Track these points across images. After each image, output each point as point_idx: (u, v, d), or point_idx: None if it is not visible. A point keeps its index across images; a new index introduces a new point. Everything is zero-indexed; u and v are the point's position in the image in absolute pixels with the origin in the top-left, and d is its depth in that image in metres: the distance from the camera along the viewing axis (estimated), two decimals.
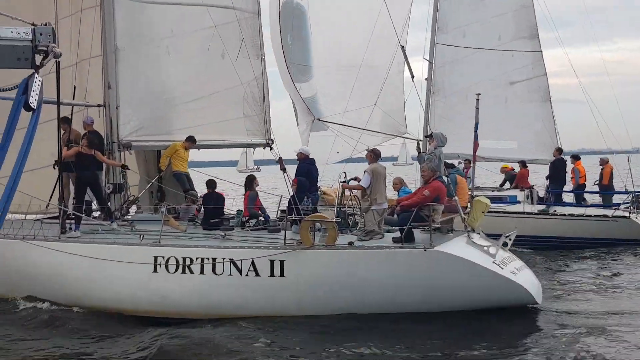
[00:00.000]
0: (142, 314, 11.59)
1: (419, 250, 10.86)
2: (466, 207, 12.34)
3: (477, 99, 13.51)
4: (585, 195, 20.89)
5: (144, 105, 14.49)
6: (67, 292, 12.18)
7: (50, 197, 13.41)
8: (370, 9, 19.15)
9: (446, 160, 14.21)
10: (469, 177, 21.62)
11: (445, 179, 12.86)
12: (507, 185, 21.51)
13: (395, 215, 12.32)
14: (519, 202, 20.00)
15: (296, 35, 19.88)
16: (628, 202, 19.74)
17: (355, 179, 12.91)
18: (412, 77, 13.59)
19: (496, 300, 10.97)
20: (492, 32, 21.58)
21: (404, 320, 10.66)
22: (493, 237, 12.38)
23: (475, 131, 13.27)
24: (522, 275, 11.37)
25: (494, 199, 20.00)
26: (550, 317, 11.08)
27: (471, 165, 21.97)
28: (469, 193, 13.03)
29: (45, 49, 3.74)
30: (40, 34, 3.69)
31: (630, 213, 18.95)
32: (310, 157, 13.97)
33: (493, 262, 11.05)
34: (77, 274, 11.94)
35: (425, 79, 21.57)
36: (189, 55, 14.88)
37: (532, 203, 20.13)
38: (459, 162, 21.91)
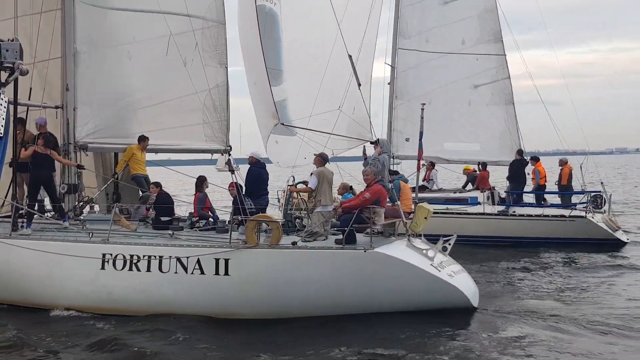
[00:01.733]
0: (89, 310, 11.58)
1: (359, 251, 11.01)
2: (410, 212, 12.42)
3: (422, 109, 13.80)
4: (547, 195, 21.21)
5: (103, 107, 14.50)
6: (13, 288, 12.18)
7: (5, 196, 13.45)
8: (337, 14, 19.59)
9: (390, 168, 14.55)
10: (432, 179, 22.25)
11: (389, 185, 12.92)
12: (470, 186, 21.79)
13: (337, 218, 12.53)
14: (479, 203, 20.20)
15: (268, 39, 20.27)
16: (585, 202, 20.07)
17: (304, 182, 13.10)
18: (359, 85, 13.81)
19: (433, 302, 11.12)
20: (456, 37, 21.93)
21: (344, 321, 10.76)
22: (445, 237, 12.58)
23: (420, 139, 13.59)
24: (458, 278, 11.57)
25: (455, 201, 20.54)
26: (487, 318, 11.16)
27: (433, 167, 22.53)
28: (414, 198, 13.13)
29: (12, 65, 3.41)
30: (7, 50, 3.50)
31: (586, 213, 19.25)
32: (261, 160, 13.96)
33: (431, 264, 11.19)
34: (26, 271, 11.96)
35: (388, 84, 22.01)
36: (150, 61, 14.85)
37: (493, 204, 20.40)
38: (423, 165, 22.34)
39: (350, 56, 13.32)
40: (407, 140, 19.58)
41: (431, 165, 22.20)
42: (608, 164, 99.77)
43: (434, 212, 18.05)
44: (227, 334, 10.46)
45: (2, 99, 3.25)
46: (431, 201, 19.18)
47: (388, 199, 12.35)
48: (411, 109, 20.11)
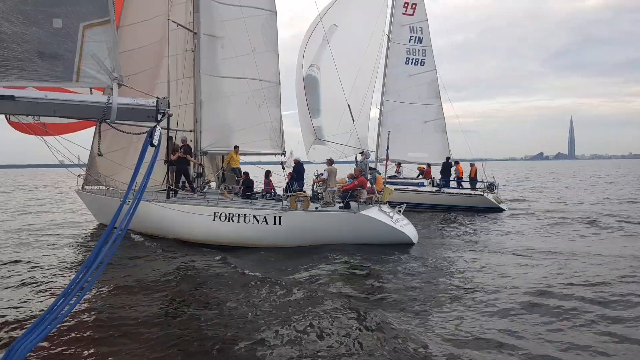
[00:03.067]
0: (205, 242, 11.67)
1: (352, 213, 11.19)
2: (381, 190, 12.42)
3: (388, 137, 13.96)
4: (462, 184, 21.04)
5: (215, 131, 14.45)
6: (167, 229, 12.37)
7: (163, 180, 13.41)
8: (350, 81, 19.83)
9: (370, 165, 14.76)
10: (400, 173, 22.37)
11: (369, 176, 13.07)
12: (420, 177, 21.67)
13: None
14: (425, 185, 20.38)
15: (313, 91, 20.57)
16: (482, 187, 20.20)
17: (322, 174, 12.91)
18: (353, 120, 13.64)
19: (391, 240, 11.23)
20: (415, 94, 21.69)
21: (334, 251, 10.40)
22: (397, 205, 12.58)
23: (387, 150, 13.74)
24: (406, 228, 11.68)
25: (412, 184, 20.65)
26: (423, 249, 11.13)
27: (400, 166, 22.66)
28: (383, 183, 12.90)
29: (163, 111, 3.56)
30: (161, 103, 3.49)
31: (483, 193, 19.46)
32: (301, 161, 14.00)
33: (391, 220, 11.39)
34: (174, 220, 12.10)
35: (378, 119, 21.86)
36: (240, 105, 14.55)
37: (432, 187, 20.43)
38: (395, 163, 22.56)
39: (348, 105, 13.22)
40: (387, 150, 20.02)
41: (399, 165, 22.27)
42: (500, 167, 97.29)
43: (399, 190, 18.62)
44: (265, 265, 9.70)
45: (159, 127, 3.35)
46: (397, 184, 19.51)
47: (368, 184, 12.41)
48: (391, 132, 20.40)
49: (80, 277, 3.48)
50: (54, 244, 12.57)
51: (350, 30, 20.60)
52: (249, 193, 13.09)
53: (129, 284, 8.24)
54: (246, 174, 13.90)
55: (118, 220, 3.73)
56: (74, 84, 3.33)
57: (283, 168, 13.87)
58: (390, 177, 20.96)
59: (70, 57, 3.28)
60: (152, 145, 3.63)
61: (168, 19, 13.29)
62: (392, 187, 13.13)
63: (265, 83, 14.61)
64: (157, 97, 3.58)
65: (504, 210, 19.17)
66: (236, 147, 14.23)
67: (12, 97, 3.01)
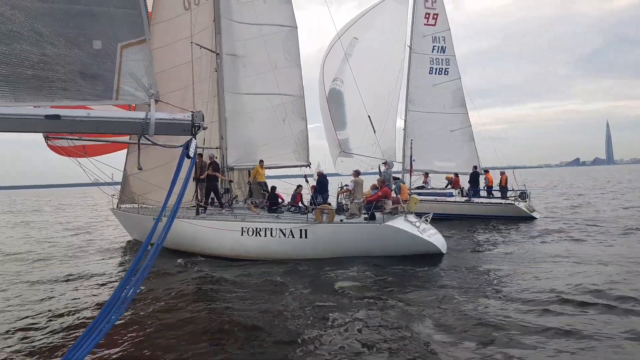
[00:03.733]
0: (234, 257, 11.87)
1: (377, 224, 11.22)
2: (406, 200, 12.44)
3: (411, 147, 14.05)
4: (492, 192, 20.68)
5: (240, 147, 14.67)
6: (197, 245, 12.52)
7: (192, 197, 13.65)
8: (374, 93, 20.08)
9: (394, 175, 14.77)
10: (428, 183, 22.32)
11: (393, 186, 13.05)
12: (449, 187, 21.51)
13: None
14: (454, 195, 20.21)
15: (338, 104, 20.86)
16: (514, 196, 19.86)
17: (346, 185, 13.09)
18: (374, 132, 13.63)
19: (419, 250, 11.18)
20: (440, 103, 21.68)
21: (355, 265, 10.38)
22: (424, 215, 12.47)
23: (410, 160, 13.78)
24: (434, 237, 11.56)
25: (440, 194, 20.60)
26: (452, 259, 11.01)
27: (428, 176, 22.61)
28: (409, 193, 12.95)
29: (198, 125, 3.64)
30: (195, 117, 3.58)
31: (514, 201, 19.11)
32: (324, 173, 14.01)
33: (418, 230, 11.32)
34: (204, 236, 12.30)
35: (403, 129, 21.92)
36: (263, 120, 14.77)
37: (462, 196, 20.23)
38: (422, 174, 22.55)
39: (369, 116, 13.07)
40: (413, 160, 20.04)
41: (426, 175, 22.13)
42: (533, 175, 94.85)
43: (428, 201, 18.59)
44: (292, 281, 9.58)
45: (194, 140, 3.43)
46: (426, 195, 19.44)
47: (392, 194, 12.42)
48: (415, 142, 20.35)
49: (121, 289, 3.67)
50: (92, 259, 13.24)
51: (372, 43, 20.99)
52: (275, 207, 13.27)
53: (165, 295, 8.61)
54: (273, 188, 14.06)
55: (155, 235, 3.88)
56: (113, 101, 3.54)
57: (307, 181, 14.02)
58: (418, 188, 20.96)
59: (110, 77, 3.49)
60: (188, 157, 3.76)
61: (192, 42, 13.77)
62: (418, 197, 13.07)
63: (288, 97, 14.88)
64: (192, 111, 3.72)
65: (537, 218, 18.73)
66: (261, 161, 14.47)
67: (57, 117, 3.25)
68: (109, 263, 12.60)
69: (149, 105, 3.56)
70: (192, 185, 13.71)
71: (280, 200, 13.87)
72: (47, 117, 3.25)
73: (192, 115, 3.64)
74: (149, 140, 3.51)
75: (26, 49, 3.33)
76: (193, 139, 3.77)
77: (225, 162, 14.69)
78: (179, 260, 11.99)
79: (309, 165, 15.29)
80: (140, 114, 3.46)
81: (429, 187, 22.12)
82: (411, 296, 7.99)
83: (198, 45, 13.96)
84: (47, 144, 12.88)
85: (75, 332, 6.63)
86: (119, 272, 11.28)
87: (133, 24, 3.50)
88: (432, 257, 11.10)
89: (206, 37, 14.49)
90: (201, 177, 13.50)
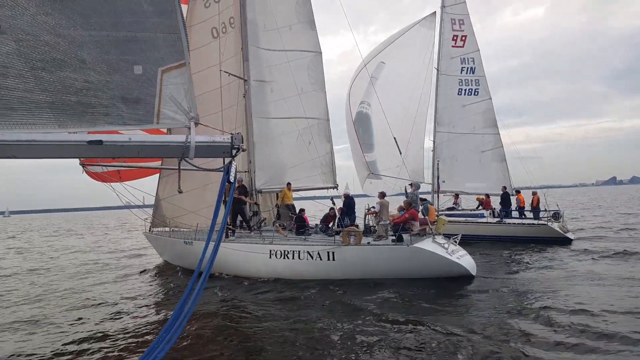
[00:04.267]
0: (263, 278, 11.97)
1: (405, 246, 11.11)
2: (434, 221, 12.32)
3: (438, 167, 13.99)
4: (525, 213, 20.21)
5: (268, 169, 14.92)
6: (226, 267, 12.57)
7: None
8: (402, 111, 20.18)
9: (421, 196, 14.59)
10: (458, 205, 22.08)
11: (420, 207, 12.94)
12: (480, 207, 21.21)
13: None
14: (485, 216, 19.90)
15: (365, 127, 21.07)
16: (546, 217, 19.42)
17: (373, 207, 13.02)
18: (400, 153, 13.65)
19: (448, 273, 11.01)
20: (469, 124, 21.55)
21: (385, 288, 10.30)
22: (454, 236, 12.24)
23: (437, 181, 13.67)
24: (463, 259, 11.34)
25: (471, 215, 20.30)
26: (482, 282, 10.83)
27: (458, 197, 22.39)
28: (437, 214, 12.81)
29: (238, 146, 3.61)
30: (235, 139, 3.56)
31: (547, 222, 18.65)
32: (351, 195, 13.79)
33: (446, 251, 11.13)
34: (233, 258, 12.34)
35: (432, 150, 21.82)
36: (290, 143, 15.14)
37: (493, 217, 19.88)
38: (453, 195, 22.31)
39: (395, 138, 13.14)
40: (443, 181, 19.83)
41: (457, 196, 21.92)
42: (571, 194, 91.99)
43: (459, 222, 18.33)
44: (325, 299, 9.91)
45: (234, 163, 3.41)
46: (456, 216, 19.06)
47: (420, 215, 12.35)
48: (443, 163, 20.25)
49: (178, 313, 3.74)
50: (128, 280, 13.60)
51: (398, 66, 21.28)
52: (303, 229, 13.33)
53: (203, 315, 8.83)
54: (301, 210, 14.13)
55: (204, 260, 3.95)
56: (154, 125, 3.61)
57: (333, 203, 14.05)
58: (449, 209, 20.73)
59: (150, 101, 3.56)
60: (229, 182, 3.76)
61: (220, 70, 14.27)
62: (447, 218, 12.93)
63: (313, 120, 15.26)
64: (231, 133, 3.71)
65: (572, 240, 18.14)
66: (289, 183, 14.68)
67: (100, 142, 3.38)
68: (151, 284, 12.94)
69: (189, 128, 3.58)
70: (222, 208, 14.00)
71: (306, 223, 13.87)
72: (90, 142, 3.39)
73: (232, 137, 3.67)
74: (189, 163, 3.53)
75: (70, 76, 3.43)
76: (233, 162, 3.81)
77: (254, 185, 14.94)
78: (219, 282, 12.16)
79: (336, 187, 15.46)
80: (180, 138, 3.51)
81: (460, 208, 21.84)
82: (440, 320, 7.87)
83: (227, 72, 14.43)
84: (85, 171, 13.38)
85: (132, 356, 6.79)
86: (157, 293, 11.61)
87: (173, 49, 3.56)
88: (461, 279, 10.94)
89: (233, 64, 14.98)
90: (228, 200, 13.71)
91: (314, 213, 14.99)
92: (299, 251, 11.71)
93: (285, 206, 14.71)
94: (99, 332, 8.06)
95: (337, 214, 13.16)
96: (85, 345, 7.37)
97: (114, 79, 3.49)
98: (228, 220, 13.70)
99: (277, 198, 15.52)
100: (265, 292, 10.74)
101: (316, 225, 14.08)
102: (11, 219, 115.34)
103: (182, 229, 14.47)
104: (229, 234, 13.51)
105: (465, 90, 22.06)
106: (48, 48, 3.41)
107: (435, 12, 22.48)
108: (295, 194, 15.34)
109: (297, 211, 14.24)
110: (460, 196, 22.09)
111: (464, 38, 22.28)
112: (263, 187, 15.06)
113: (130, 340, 7.52)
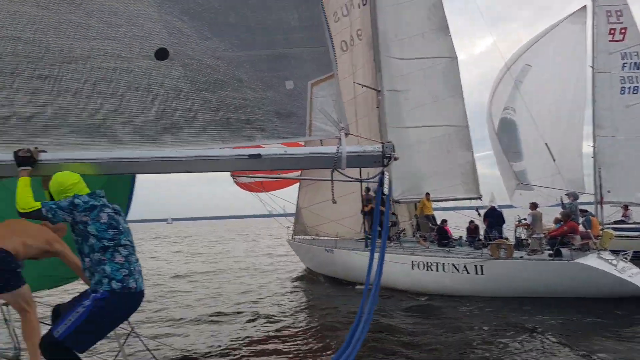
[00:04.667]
0: (407, 290, 11.70)
1: (564, 261, 10.26)
2: (598, 235, 11.16)
3: (600, 175, 12.47)
4: None
5: (405, 179, 14.58)
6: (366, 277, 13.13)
7: (360, 229, 14.13)
8: (552, 116, 18.33)
9: (581, 208, 13.21)
10: (628, 217, 19.14)
11: (580, 219, 11.84)
12: None
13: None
14: None
15: (512, 134, 19.63)
16: None
17: (524, 219, 12.30)
18: (554, 160, 12.58)
19: (619, 293, 9.96)
20: (637, 126, 18.65)
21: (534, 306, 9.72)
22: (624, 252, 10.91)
23: (600, 190, 12.04)
24: (636, 277, 10.11)
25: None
26: None
27: (628, 209, 19.45)
28: (602, 227, 11.61)
29: (389, 155, 3.42)
30: (386, 147, 3.40)
31: None
32: (496, 207, 13.26)
33: (615, 269, 10.08)
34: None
35: (592, 157, 19.13)
36: (428, 152, 14.76)
37: None
38: (621, 206, 19.46)
39: (546, 144, 12.13)
40: (608, 191, 17.41)
41: (626, 207, 19.24)
42: None
43: (629, 237, 15.86)
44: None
45: (387, 173, 3.31)
46: (626, 230, 16.59)
47: (581, 228, 11.31)
48: (607, 171, 17.74)
49: (354, 330, 3.57)
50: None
51: (545, 68, 19.61)
52: (446, 241, 12.89)
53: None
54: (444, 221, 13.74)
55: (372, 271, 3.77)
56: (307, 138, 3.68)
57: (479, 214, 13.49)
58: (617, 222, 18.11)
59: (302, 114, 3.66)
60: (384, 194, 3.66)
61: (354, 82, 14.51)
62: (614, 232, 11.48)
63: (451, 128, 14.78)
64: (382, 142, 3.61)
65: None
66: (427, 194, 14.33)
67: (259, 156, 3.49)
68: (301, 290, 13.60)
69: (339, 138, 3.57)
70: (360, 218, 14.18)
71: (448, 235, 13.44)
72: (250, 156, 3.50)
73: (383, 146, 3.57)
74: (341, 174, 3.50)
75: (230, 94, 3.68)
76: (386, 172, 3.66)
77: (391, 195, 14.81)
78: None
79: (480, 197, 14.83)
80: (332, 149, 3.51)
81: (630, 221, 18.97)
82: (611, 346, 7.09)
83: (360, 84, 14.64)
84: (235, 181, 14.72)
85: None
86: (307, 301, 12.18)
87: (321, 62, 3.63)
88: (634, 300, 9.87)
89: (362, 75, 15.19)
90: (365, 209, 13.84)
91: (457, 224, 14.31)
92: (443, 263, 11.33)
93: (425, 217, 14.35)
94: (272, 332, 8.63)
95: (477, 226, 12.66)
96: (264, 345, 7.91)
97: (268, 95, 3.66)
98: (367, 230, 13.81)
99: (416, 209, 15.26)
100: (406, 305, 10.58)
101: (460, 237, 13.58)
102: (173, 226, 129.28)
103: (322, 237, 14.91)
104: (368, 243, 13.55)
105: (630, 88, 19.32)
106: (210, 70, 3.71)
107: (585, 5, 20.27)
108: (435, 204, 14.90)
109: (439, 222, 13.84)
110: (630, 208, 19.16)
111: (623, 31, 19.59)
112: (401, 197, 14.82)
113: (306, 340, 7.91)
